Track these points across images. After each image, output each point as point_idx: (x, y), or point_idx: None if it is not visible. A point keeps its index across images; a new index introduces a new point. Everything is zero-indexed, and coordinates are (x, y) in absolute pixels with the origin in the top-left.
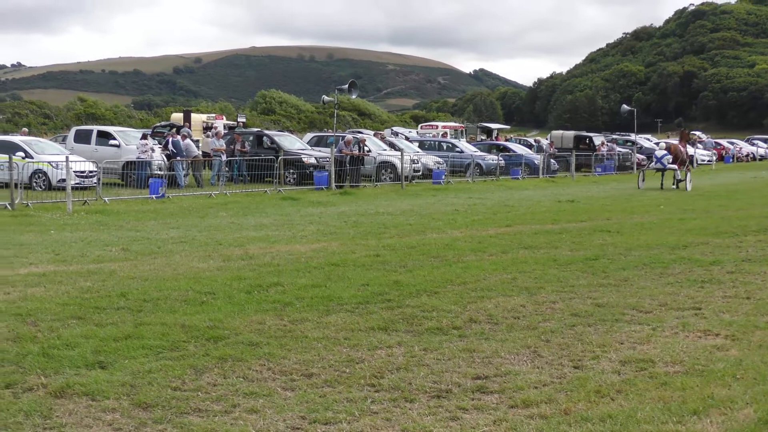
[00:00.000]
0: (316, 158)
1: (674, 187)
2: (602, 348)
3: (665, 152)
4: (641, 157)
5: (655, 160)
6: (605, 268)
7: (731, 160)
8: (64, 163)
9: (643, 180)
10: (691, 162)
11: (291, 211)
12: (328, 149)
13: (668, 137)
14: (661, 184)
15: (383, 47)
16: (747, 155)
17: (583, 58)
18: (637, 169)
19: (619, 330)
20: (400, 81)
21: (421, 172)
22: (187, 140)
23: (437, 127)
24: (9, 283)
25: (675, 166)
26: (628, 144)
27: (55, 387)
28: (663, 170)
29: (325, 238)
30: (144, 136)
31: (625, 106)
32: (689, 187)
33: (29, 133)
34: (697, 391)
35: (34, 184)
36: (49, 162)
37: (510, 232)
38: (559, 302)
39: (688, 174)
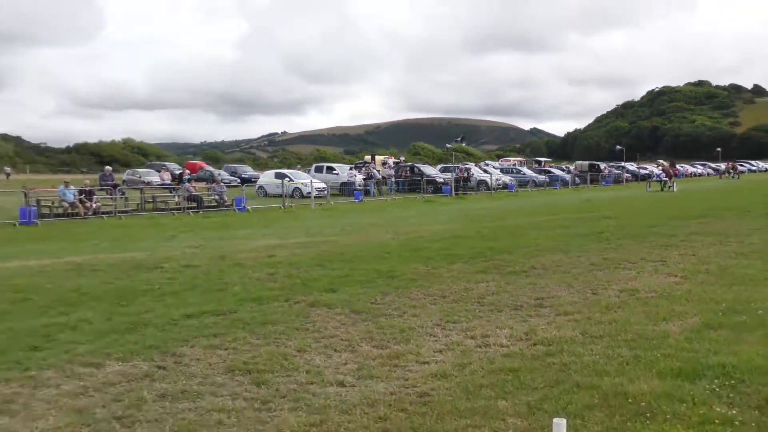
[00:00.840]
0: (443, 178)
1: (668, 190)
2: (608, 283)
3: (662, 171)
4: (628, 175)
5: (656, 176)
6: (608, 238)
7: (682, 176)
8: (310, 183)
9: (650, 186)
10: (671, 177)
11: (430, 208)
12: (450, 173)
13: (638, 162)
14: (662, 188)
15: (479, 116)
16: (691, 174)
17: (593, 120)
18: (626, 182)
19: (617, 273)
20: (489, 135)
21: (501, 185)
22: (374, 170)
23: (510, 160)
24: (284, 247)
25: (667, 179)
26: (620, 168)
27: (310, 301)
28: (660, 181)
29: (449, 222)
30: (351, 168)
31: (618, 147)
32: (675, 189)
33: (298, 168)
34: (665, 307)
35: (294, 194)
36: (302, 182)
37: (553, 219)
38: (582, 257)
39: (675, 183)
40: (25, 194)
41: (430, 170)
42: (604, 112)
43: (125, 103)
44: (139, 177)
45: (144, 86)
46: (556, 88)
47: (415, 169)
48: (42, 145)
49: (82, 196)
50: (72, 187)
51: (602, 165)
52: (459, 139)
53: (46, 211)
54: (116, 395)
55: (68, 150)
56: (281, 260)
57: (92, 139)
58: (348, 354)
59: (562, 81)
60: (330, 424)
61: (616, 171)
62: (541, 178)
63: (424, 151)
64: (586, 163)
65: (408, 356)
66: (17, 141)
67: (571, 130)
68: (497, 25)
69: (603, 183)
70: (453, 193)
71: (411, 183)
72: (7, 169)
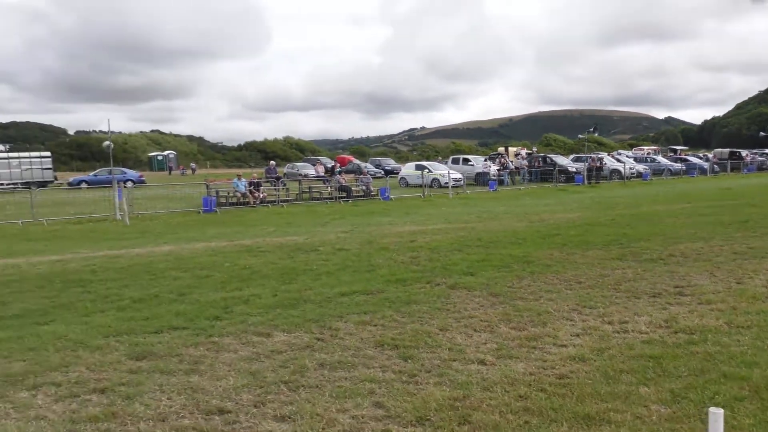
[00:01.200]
0: (575, 168)
1: None
2: (755, 272)
3: None
4: None
5: None
6: (753, 226)
7: None
8: (447, 174)
9: None
10: None
11: (563, 196)
12: (581, 163)
13: None
14: None
15: (611, 106)
16: None
17: (732, 106)
18: None
19: (765, 262)
20: (621, 125)
21: (635, 174)
22: (507, 161)
23: (644, 149)
24: (425, 233)
25: None
26: (764, 155)
27: (450, 284)
28: None
29: (582, 210)
30: (485, 159)
31: (762, 133)
32: None
33: (439, 160)
34: None
35: (433, 184)
36: (440, 173)
37: (690, 206)
38: (725, 246)
39: None
40: (207, 186)
41: (563, 160)
42: (746, 99)
43: (285, 106)
44: (297, 170)
45: (301, 90)
46: (691, 75)
47: (548, 159)
48: (219, 144)
49: (251, 188)
50: (243, 179)
51: (744, 152)
52: (591, 129)
53: (223, 200)
54: (283, 362)
55: (239, 148)
56: (422, 245)
57: (259, 138)
58: (487, 334)
59: (698, 68)
60: (473, 399)
61: (760, 158)
62: (677, 166)
63: (556, 142)
64: (726, 150)
65: (545, 339)
66: (200, 141)
67: (708, 117)
68: (629, 16)
69: (745, 171)
70: (585, 181)
71: (543, 173)
72: (193, 165)
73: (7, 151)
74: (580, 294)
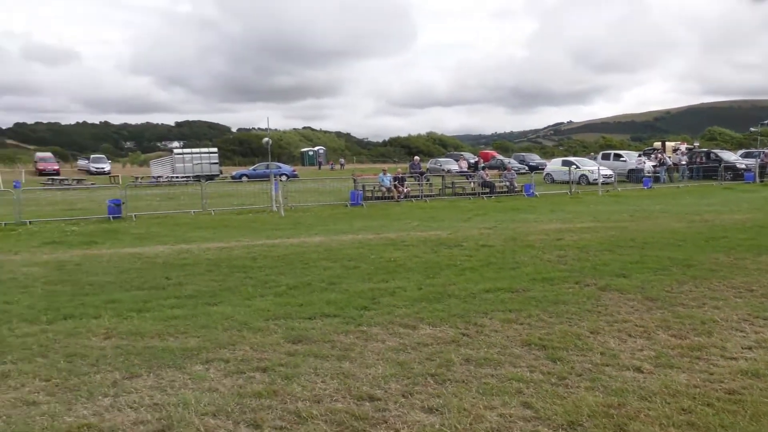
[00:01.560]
0: (745, 164)
1: None
2: None
3: None
4: None
5: None
6: None
7: None
8: (597, 170)
9: None
10: None
11: (729, 195)
12: (752, 160)
13: None
14: None
15: None
16: None
17: None
18: None
19: None
20: None
21: None
22: (665, 157)
23: None
24: (572, 231)
25: None
26: None
27: (600, 285)
28: None
29: (753, 211)
30: (639, 155)
31: None
32: None
33: (592, 156)
34: None
35: (581, 181)
36: (588, 169)
37: None
38: None
39: None
40: (354, 180)
41: (729, 156)
42: None
43: (429, 102)
44: (440, 165)
45: (445, 85)
46: None
47: (712, 154)
48: (365, 140)
49: (396, 182)
50: (388, 174)
51: None
52: (766, 122)
53: (368, 194)
54: (429, 354)
55: (384, 143)
56: (569, 243)
57: (403, 134)
58: (643, 340)
59: None
60: (629, 408)
61: None
62: None
63: (722, 136)
64: None
65: (711, 349)
66: (347, 137)
67: None
68: None
69: None
70: (757, 179)
71: (706, 169)
72: (341, 160)
73: (182, 148)
74: (751, 303)
